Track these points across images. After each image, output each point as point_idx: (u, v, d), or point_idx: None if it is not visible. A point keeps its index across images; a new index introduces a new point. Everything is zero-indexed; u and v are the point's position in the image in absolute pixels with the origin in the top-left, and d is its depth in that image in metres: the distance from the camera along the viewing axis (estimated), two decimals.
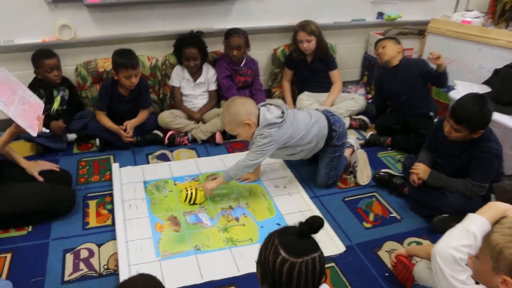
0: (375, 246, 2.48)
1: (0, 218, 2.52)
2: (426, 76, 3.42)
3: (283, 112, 2.71)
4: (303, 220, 1.42)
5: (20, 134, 2.54)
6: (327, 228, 2.57)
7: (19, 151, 3.23)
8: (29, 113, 2.43)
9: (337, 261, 2.37)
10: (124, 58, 3.20)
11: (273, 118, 2.66)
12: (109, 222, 2.65)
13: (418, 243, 2.50)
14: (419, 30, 4.26)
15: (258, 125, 2.67)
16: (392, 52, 3.49)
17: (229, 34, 3.65)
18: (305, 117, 2.82)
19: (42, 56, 3.26)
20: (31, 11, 3.32)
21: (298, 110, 2.94)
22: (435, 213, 2.60)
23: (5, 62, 3.42)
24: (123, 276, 2.18)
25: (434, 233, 2.56)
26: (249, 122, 2.63)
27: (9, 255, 2.37)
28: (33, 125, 2.40)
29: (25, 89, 2.54)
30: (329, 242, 2.48)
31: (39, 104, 2.60)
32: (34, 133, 2.37)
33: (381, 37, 3.95)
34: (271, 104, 2.79)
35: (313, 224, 1.40)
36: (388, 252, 2.43)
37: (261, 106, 2.76)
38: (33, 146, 3.39)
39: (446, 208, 2.56)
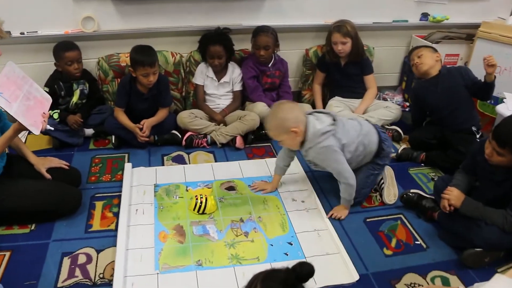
0: (394, 277, 2.23)
1: (5, 214, 2.48)
2: (470, 86, 3.09)
3: (334, 120, 2.53)
4: (292, 264, 1.27)
5: None
6: (342, 251, 2.35)
7: (36, 144, 3.28)
8: (33, 110, 2.33)
9: None
10: (142, 55, 3.07)
11: (325, 127, 2.49)
12: (112, 226, 2.55)
13: (444, 278, 2.23)
14: (467, 34, 3.91)
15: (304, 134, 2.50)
16: (430, 61, 3.18)
17: (257, 32, 3.45)
18: (354, 126, 2.63)
19: (63, 48, 3.19)
20: (55, 2, 3.25)
21: (345, 118, 2.73)
22: (467, 245, 2.30)
23: (29, 53, 3.39)
24: (117, 287, 2.09)
25: (464, 268, 2.28)
26: (296, 130, 2.45)
27: (8, 254, 2.33)
28: (36, 122, 2.30)
29: (32, 83, 2.44)
30: (341, 268, 2.27)
31: (47, 99, 2.50)
32: (36, 131, 2.27)
33: (421, 43, 3.65)
34: (319, 112, 2.61)
35: (301, 273, 1.22)
36: (408, 286, 2.17)
37: (308, 114, 2.56)
38: (50, 139, 3.33)
39: (480, 242, 2.25)
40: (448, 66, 3.35)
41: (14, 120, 2.19)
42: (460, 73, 3.15)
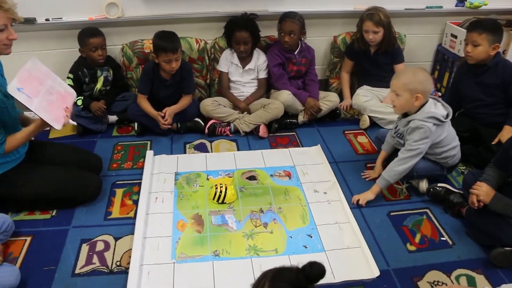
0: (416, 274, 2.14)
1: (27, 199, 2.50)
2: (506, 89, 2.90)
3: (447, 115, 2.54)
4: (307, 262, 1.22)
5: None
6: (363, 246, 2.28)
7: (59, 131, 3.19)
8: (55, 105, 2.35)
9: (368, 287, 2.07)
10: (164, 41, 3.02)
11: (438, 113, 2.49)
12: (131, 214, 2.54)
13: (470, 278, 2.13)
14: (507, 20, 3.70)
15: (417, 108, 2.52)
16: (483, 56, 2.86)
17: (283, 18, 3.35)
18: (454, 135, 2.67)
19: (87, 35, 3.18)
20: None
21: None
22: (495, 243, 2.19)
23: (53, 40, 3.39)
24: (132, 276, 2.08)
25: (492, 267, 2.16)
26: (420, 97, 2.45)
27: (29, 239, 2.36)
28: (58, 117, 2.31)
29: (56, 78, 2.45)
30: (362, 262, 2.20)
31: (71, 94, 2.51)
32: (58, 126, 2.29)
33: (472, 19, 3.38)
34: (439, 102, 2.59)
35: (311, 273, 1.17)
36: (431, 284, 2.08)
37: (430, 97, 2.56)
38: (73, 126, 3.31)
39: (510, 241, 2.14)
40: (502, 59, 2.98)
41: (25, 108, 2.19)
42: (505, 72, 2.88)
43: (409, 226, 2.46)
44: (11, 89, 2.14)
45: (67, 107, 2.39)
